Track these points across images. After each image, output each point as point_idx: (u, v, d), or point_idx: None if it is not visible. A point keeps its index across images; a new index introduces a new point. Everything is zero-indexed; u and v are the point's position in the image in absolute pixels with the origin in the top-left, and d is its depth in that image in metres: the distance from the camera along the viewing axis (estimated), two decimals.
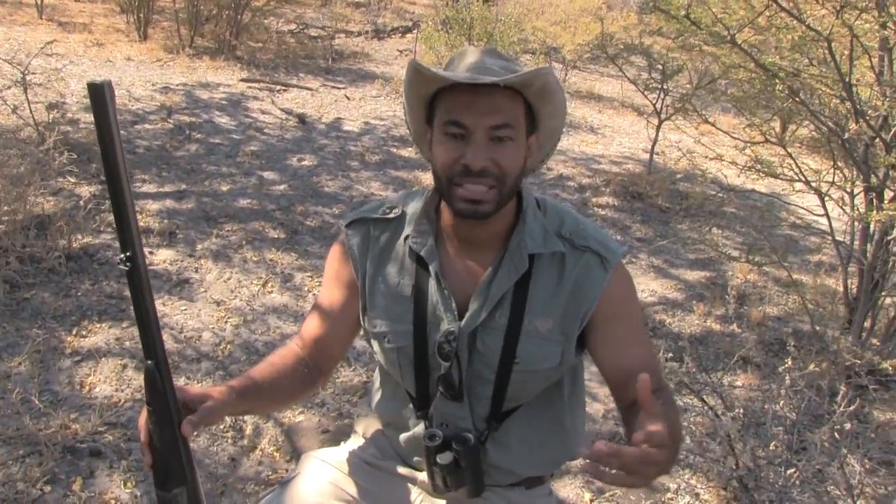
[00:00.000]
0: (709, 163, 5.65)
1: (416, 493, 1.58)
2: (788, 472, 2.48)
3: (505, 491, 1.55)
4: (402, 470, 1.59)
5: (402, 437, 1.56)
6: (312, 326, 1.56)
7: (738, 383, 3.66)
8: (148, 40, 8.69)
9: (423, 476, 1.55)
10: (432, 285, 1.42)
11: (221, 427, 2.81)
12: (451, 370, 1.41)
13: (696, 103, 5.72)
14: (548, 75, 1.28)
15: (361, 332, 1.57)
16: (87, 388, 2.90)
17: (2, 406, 2.69)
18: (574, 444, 1.58)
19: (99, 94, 1.05)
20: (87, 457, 2.54)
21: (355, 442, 1.69)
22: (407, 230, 1.45)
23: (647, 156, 6.74)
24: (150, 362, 1.16)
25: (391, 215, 1.48)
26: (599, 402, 3.40)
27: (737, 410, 2.73)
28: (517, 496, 1.56)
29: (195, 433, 1.21)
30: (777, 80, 3.00)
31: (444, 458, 1.43)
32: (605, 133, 8.53)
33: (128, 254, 1.09)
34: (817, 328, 3.93)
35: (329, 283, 1.55)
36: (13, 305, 3.34)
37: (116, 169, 1.07)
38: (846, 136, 3.12)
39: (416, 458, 1.57)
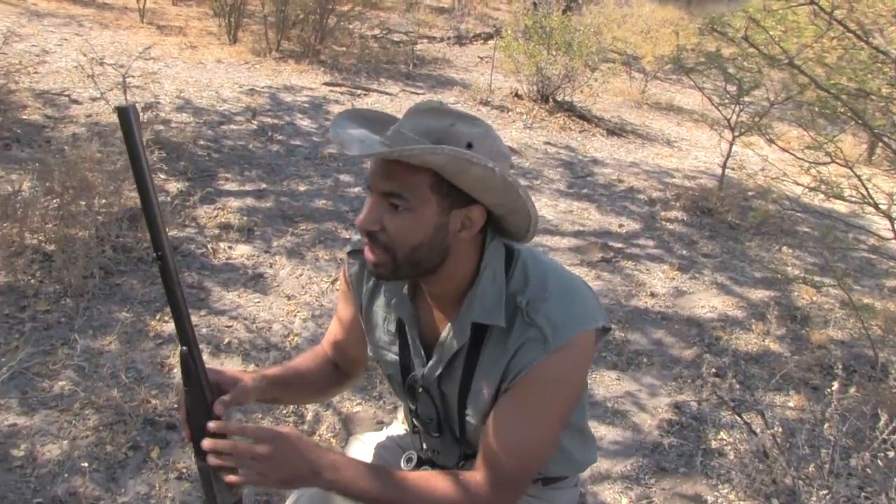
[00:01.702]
0: (782, 181, 5.64)
1: None
2: (821, 493, 2.54)
3: None
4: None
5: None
6: (332, 333, 1.69)
7: (791, 404, 3.71)
8: (237, 43, 9.08)
9: None
10: (410, 331, 1.48)
11: (284, 412, 3.04)
12: (422, 408, 1.50)
13: (769, 120, 5.74)
14: (431, 155, 1.20)
15: None
16: (167, 368, 3.16)
17: (94, 379, 2.97)
18: (570, 464, 1.60)
19: (126, 116, 1.17)
20: (164, 429, 2.81)
21: (395, 427, 1.83)
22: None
23: (721, 171, 6.75)
24: (184, 348, 1.28)
25: None
26: (646, 413, 3.50)
27: (776, 429, 2.80)
28: (534, 490, 1.62)
29: (225, 410, 1.30)
30: (839, 102, 3.05)
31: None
32: (682, 146, 8.53)
33: (159, 253, 1.22)
34: (879, 354, 3.93)
35: (341, 300, 1.66)
36: (106, 290, 3.64)
37: (144, 180, 1.20)
38: None
39: None
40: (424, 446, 1.60)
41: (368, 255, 1.32)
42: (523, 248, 1.43)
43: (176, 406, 2.92)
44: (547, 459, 1.43)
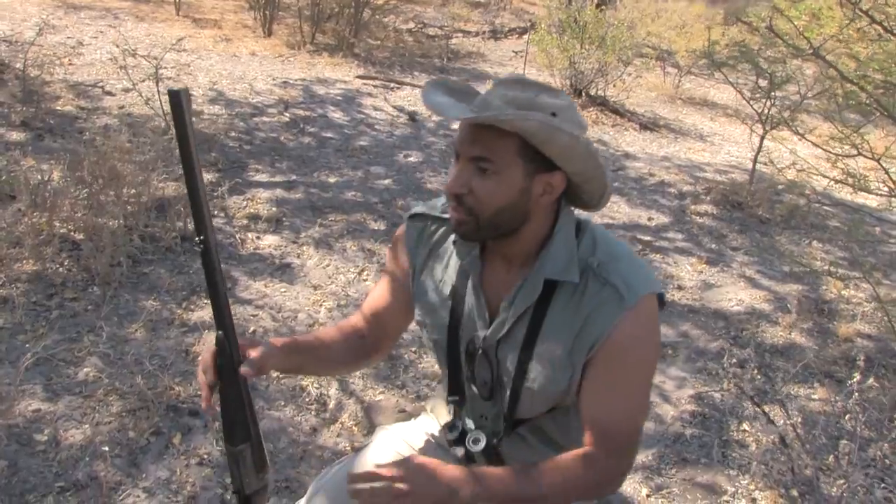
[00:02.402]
0: (812, 175, 5.57)
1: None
2: (839, 482, 2.52)
3: None
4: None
5: (440, 421, 1.72)
6: (372, 302, 1.70)
7: (815, 397, 3.67)
8: (272, 36, 9.16)
9: None
10: (470, 290, 1.52)
11: (307, 400, 3.07)
12: (478, 371, 1.52)
13: (801, 115, 5.66)
14: (521, 121, 1.26)
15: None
16: (191, 356, 3.20)
17: (119, 366, 3.03)
18: None
19: (176, 100, 1.23)
20: (187, 416, 2.85)
21: (424, 418, 1.84)
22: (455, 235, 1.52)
23: (752, 165, 6.67)
24: (220, 332, 1.33)
25: (447, 215, 1.58)
26: (670, 405, 3.49)
27: (795, 419, 2.78)
28: None
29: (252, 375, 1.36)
30: (865, 94, 3.00)
31: (457, 451, 1.57)
32: (714, 141, 8.44)
33: (201, 237, 1.28)
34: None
35: (389, 266, 1.69)
36: (134, 278, 3.70)
37: (191, 165, 1.24)
38: None
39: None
40: (468, 416, 1.61)
41: (453, 214, 1.38)
42: (588, 219, 1.51)
43: (199, 393, 2.97)
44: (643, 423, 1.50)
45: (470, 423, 1.60)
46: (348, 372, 2.97)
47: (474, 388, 1.55)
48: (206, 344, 1.37)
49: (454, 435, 1.58)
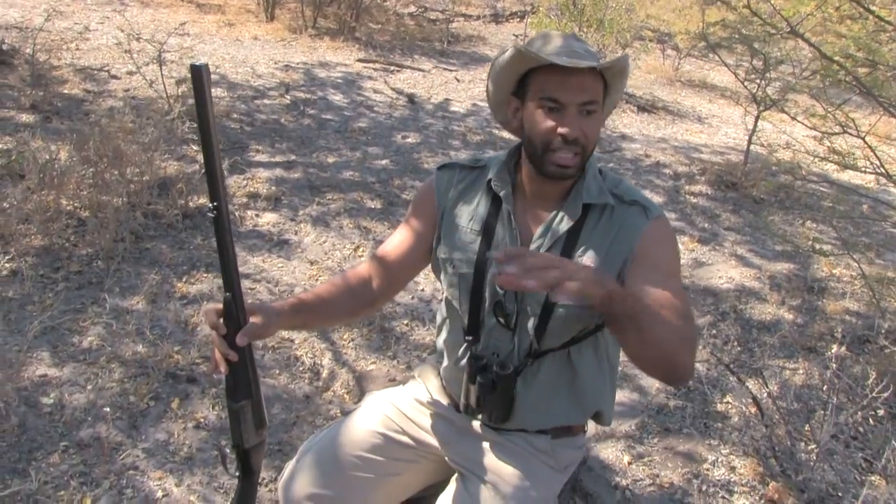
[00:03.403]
0: (803, 154, 5.64)
1: (453, 430, 1.80)
2: (810, 447, 2.63)
3: (531, 437, 1.74)
4: (443, 410, 1.83)
5: (453, 364, 1.78)
6: (387, 249, 1.78)
7: (801, 371, 3.76)
8: (274, 21, 9.25)
9: (459, 418, 1.79)
10: (501, 224, 1.65)
11: (300, 369, 3.20)
12: (506, 300, 1.61)
13: (795, 95, 5.73)
14: (627, 59, 1.53)
15: (430, 268, 1.81)
16: (191, 326, 3.33)
17: (121, 335, 3.16)
18: (590, 409, 1.77)
19: (198, 74, 1.27)
20: (185, 382, 2.98)
21: (413, 384, 1.95)
22: (490, 175, 1.68)
23: (746, 146, 6.74)
24: (227, 294, 1.42)
25: (476, 165, 1.75)
26: (654, 378, 3.59)
27: (773, 387, 2.88)
28: (542, 443, 1.74)
29: (247, 342, 1.42)
30: (843, 70, 3.08)
31: (484, 377, 1.63)
32: (712, 123, 8.51)
33: (215, 204, 1.34)
34: (882, 321, 3.96)
35: (412, 213, 1.79)
36: (136, 253, 3.82)
37: (209, 136, 1.32)
38: None
39: (456, 389, 1.78)
40: (479, 352, 1.68)
41: (568, 158, 1.53)
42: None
43: (198, 361, 3.10)
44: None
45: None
46: (351, 321, 3.09)
47: (499, 320, 1.63)
48: (206, 306, 1.45)
49: (481, 362, 1.65)
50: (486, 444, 1.76)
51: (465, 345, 1.72)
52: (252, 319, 1.46)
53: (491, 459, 1.73)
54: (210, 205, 1.35)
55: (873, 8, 2.79)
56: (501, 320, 1.63)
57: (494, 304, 1.63)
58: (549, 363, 1.66)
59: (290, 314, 1.59)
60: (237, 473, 1.52)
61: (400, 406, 1.86)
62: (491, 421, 1.72)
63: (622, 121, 7.91)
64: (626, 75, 1.57)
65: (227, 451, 1.51)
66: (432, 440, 1.82)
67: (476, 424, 1.78)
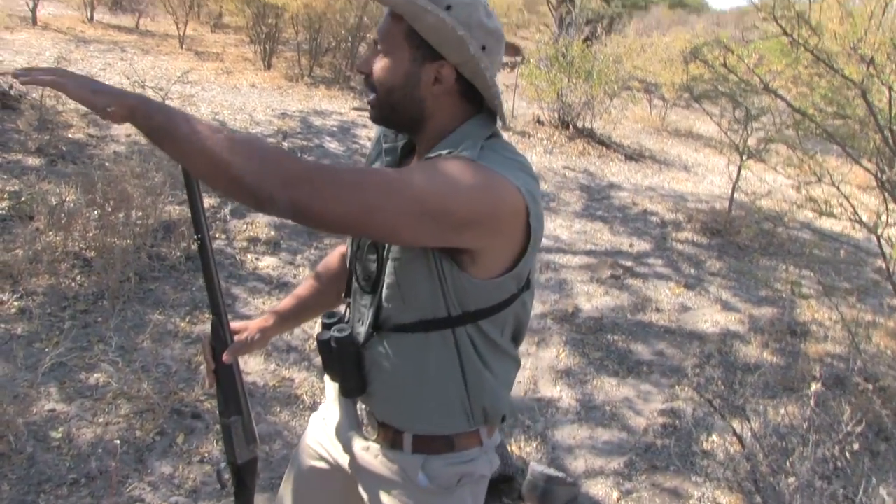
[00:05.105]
0: (782, 202, 5.84)
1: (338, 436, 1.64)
2: (789, 480, 2.74)
3: (402, 457, 1.52)
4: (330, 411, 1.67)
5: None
6: None
7: (780, 410, 3.89)
8: (272, 69, 9.48)
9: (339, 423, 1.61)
10: None
11: (301, 407, 3.31)
12: (365, 259, 1.48)
13: (776, 145, 5.93)
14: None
15: None
16: (194, 365, 3.44)
17: (128, 372, 3.26)
18: (455, 414, 1.49)
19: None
20: (190, 418, 3.08)
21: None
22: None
23: (735, 195, 6.94)
24: (214, 317, 1.54)
25: None
26: (642, 417, 3.71)
27: (755, 423, 3.00)
28: (410, 463, 1.52)
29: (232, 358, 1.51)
30: (814, 124, 3.26)
31: (322, 335, 1.52)
32: (698, 171, 8.73)
33: (199, 235, 1.50)
34: (858, 361, 4.11)
35: None
36: (141, 294, 3.94)
37: (190, 179, 1.48)
38: (884, 177, 3.35)
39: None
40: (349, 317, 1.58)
41: (369, 98, 1.44)
42: (506, 142, 1.47)
43: (202, 398, 3.20)
44: (374, 196, 1.25)
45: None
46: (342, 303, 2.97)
47: (361, 282, 1.51)
48: (206, 333, 1.57)
49: (329, 321, 1.56)
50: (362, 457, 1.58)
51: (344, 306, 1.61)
52: (237, 338, 1.58)
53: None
54: (195, 236, 1.49)
55: (838, 66, 2.98)
56: (361, 282, 1.51)
57: (352, 260, 1.54)
58: (395, 343, 1.46)
59: (276, 326, 1.66)
60: (233, 490, 1.61)
61: (325, 416, 1.70)
62: (344, 393, 1.56)
63: (610, 169, 8.12)
64: (411, 17, 1.35)
65: (223, 468, 1.61)
66: (339, 455, 1.64)
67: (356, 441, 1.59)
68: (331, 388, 1.66)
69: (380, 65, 1.40)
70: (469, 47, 1.35)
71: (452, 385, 1.47)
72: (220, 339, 1.55)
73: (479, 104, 1.44)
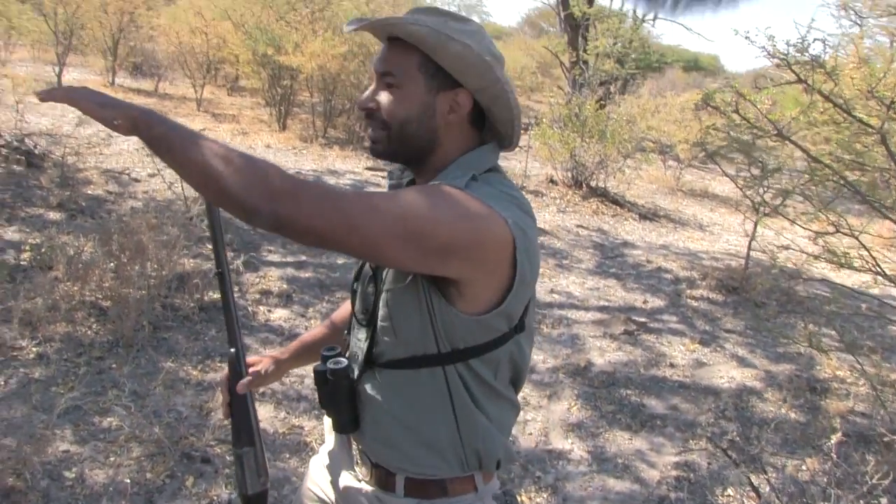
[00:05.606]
0: (803, 257, 5.81)
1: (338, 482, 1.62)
2: None
3: (386, 496, 1.49)
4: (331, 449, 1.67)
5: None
6: None
7: (802, 466, 3.81)
8: (286, 130, 9.66)
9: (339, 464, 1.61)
10: None
11: (310, 453, 3.27)
12: (363, 293, 1.48)
13: (793, 202, 5.94)
14: (395, 25, 1.33)
15: None
16: (205, 411, 3.44)
17: (140, 417, 3.26)
18: (448, 457, 1.45)
19: None
20: (199, 462, 3.07)
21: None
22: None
23: (751, 253, 6.92)
24: (232, 350, 1.58)
25: None
26: (656, 470, 3.65)
27: (771, 477, 2.94)
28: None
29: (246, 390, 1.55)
30: (830, 171, 3.26)
31: (318, 367, 1.51)
32: (714, 230, 8.74)
33: (219, 270, 1.56)
34: (881, 414, 4.02)
35: None
36: (154, 342, 3.96)
37: (213, 215, 1.53)
38: None
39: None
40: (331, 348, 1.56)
41: (369, 132, 1.42)
42: (505, 177, 1.44)
43: (212, 443, 3.19)
44: (355, 211, 1.21)
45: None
46: None
47: (358, 315, 1.50)
48: (224, 372, 1.58)
49: (328, 353, 1.53)
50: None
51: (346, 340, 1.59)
52: (252, 370, 1.62)
53: None
54: (216, 270, 1.55)
55: (856, 113, 2.99)
56: (359, 316, 1.50)
57: (353, 295, 1.53)
58: (387, 379, 1.44)
59: (291, 360, 1.71)
60: None
61: (322, 459, 1.69)
62: (337, 428, 1.53)
63: (624, 228, 8.14)
64: (434, 48, 1.33)
65: (233, 499, 1.60)
66: (336, 496, 1.62)
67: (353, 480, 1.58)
68: (329, 427, 1.64)
69: (390, 98, 1.37)
70: (495, 71, 1.35)
71: (443, 426, 1.42)
72: (236, 371, 1.58)
73: (481, 131, 1.44)
